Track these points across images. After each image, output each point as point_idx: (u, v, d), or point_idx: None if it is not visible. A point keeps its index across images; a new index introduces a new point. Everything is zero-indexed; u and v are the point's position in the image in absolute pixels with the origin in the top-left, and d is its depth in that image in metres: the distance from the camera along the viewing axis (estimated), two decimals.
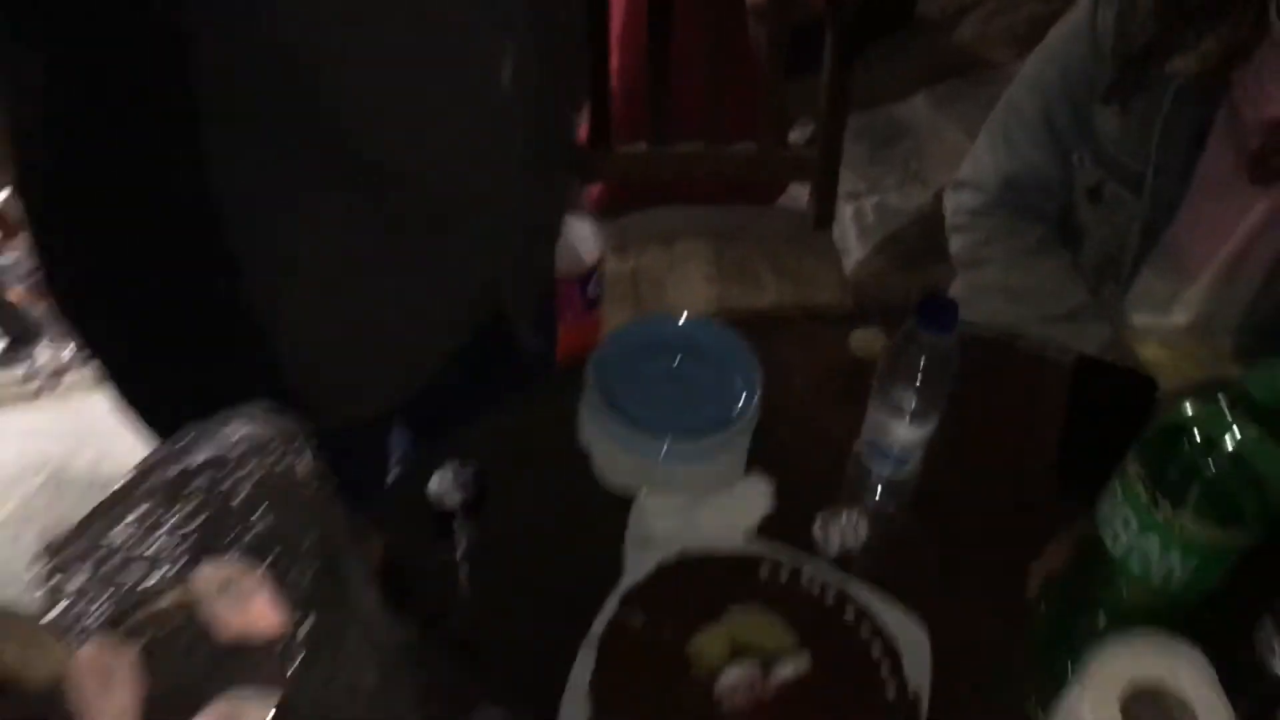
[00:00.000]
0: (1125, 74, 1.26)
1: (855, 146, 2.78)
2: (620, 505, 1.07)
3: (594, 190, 1.83)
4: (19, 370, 2.26)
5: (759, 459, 1.10)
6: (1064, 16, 1.35)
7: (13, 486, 2.10)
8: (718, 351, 1.09)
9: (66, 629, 0.49)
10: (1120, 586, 0.87)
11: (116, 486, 0.50)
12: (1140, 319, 1.35)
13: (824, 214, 1.75)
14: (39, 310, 2.20)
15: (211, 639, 0.48)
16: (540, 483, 1.10)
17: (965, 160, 1.47)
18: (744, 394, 1.06)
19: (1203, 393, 0.82)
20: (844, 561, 1.04)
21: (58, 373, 2.28)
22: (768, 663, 0.91)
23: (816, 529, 1.06)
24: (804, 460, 1.13)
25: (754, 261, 1.71)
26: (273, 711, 0.42)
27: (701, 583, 0.99)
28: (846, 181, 2.69)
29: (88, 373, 2.26)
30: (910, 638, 0.97)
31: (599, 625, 0.96)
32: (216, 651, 0.48)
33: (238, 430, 0.50)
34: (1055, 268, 1.39)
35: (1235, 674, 0.82)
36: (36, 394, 2.26)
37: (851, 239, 2.56)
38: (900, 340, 0.99)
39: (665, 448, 1.03)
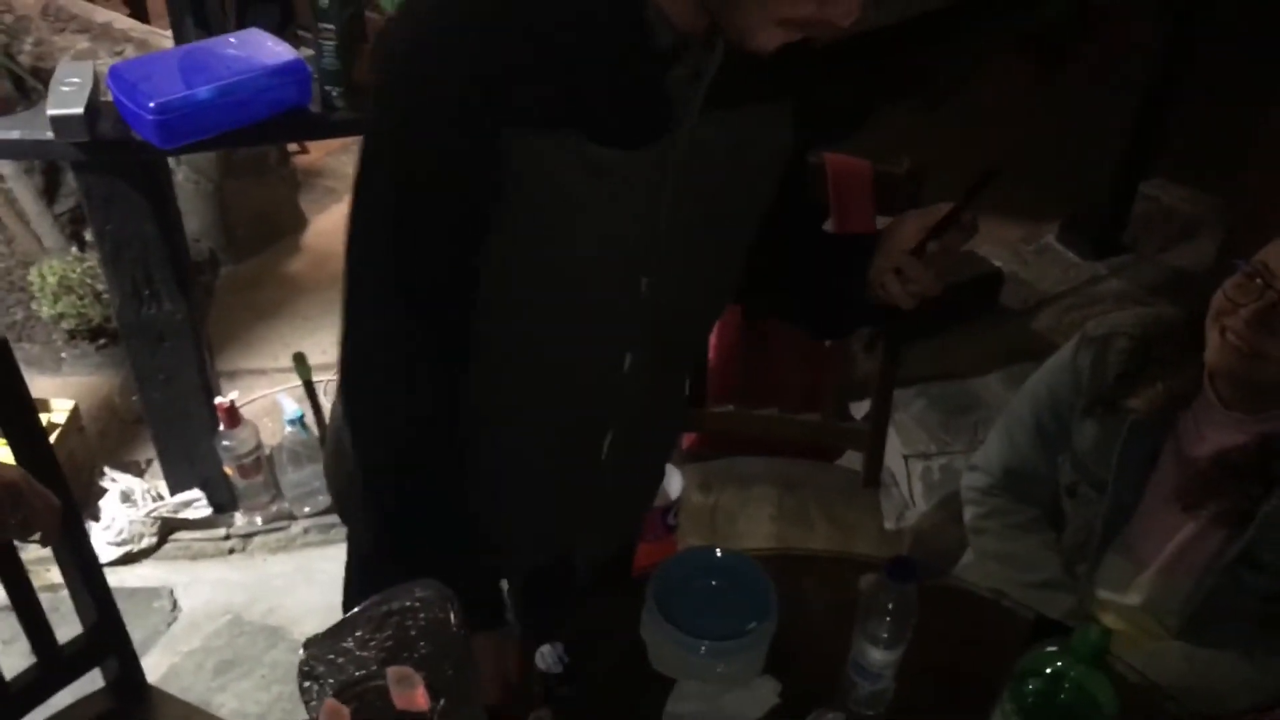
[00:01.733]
0: (1093, 404, 1.59)
1: (931, 412, 3.12)
2: (665, 686, 1.40)
3: (689, 439, 2.21)
4: (220, 531, 2.70)
5: (773, 664, 1.42)
6: (1057, 352, 1.69)
7: (201, 626, 2.51)
8: (747, 579, 1.43)
9: (311, 695, 0.85)
10: None
11: (350, 615, 0.88)
12: (1104, 594, 1.64)
13: (871, 476, 2.09)
14: (243, 485, 2.65)
15: (391, 708, 0.84)
16: (609, 661, 1.44)
17: (979, 449, 1.80)
18: (762, 614, 1.39)
19: (1054, 645, 1.14)
20: None
21: (248, 536, 2.71)
22: None
23: None
24: (808, 669, 1.44)
25: (811, 508, 2.05)
26: None
27: None
28: (919, 442, 3.03)
29: (271, 539, 2.70)
30: None
31: None
32: (393, 714, 0.84)
33: (418, 590, 0.87)
34: (1038, 543, 1.69)
35: None
36: (229, 552, 2.70)
37: (918, 494, 2.86)
38: (873, 587, 1.31)
39: (702, 648, 1.36)
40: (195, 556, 2.67)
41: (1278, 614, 1.52)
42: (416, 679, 0.83)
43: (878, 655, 1.34)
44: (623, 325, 1.24)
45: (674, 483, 1.78)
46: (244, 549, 2.70)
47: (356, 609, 0.87)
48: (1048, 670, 1.14)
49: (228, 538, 2.69)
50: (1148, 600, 1.60)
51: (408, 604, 0.87)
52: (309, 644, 0.86)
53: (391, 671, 0.84)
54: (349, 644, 0.87)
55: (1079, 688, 1.11)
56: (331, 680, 0.86)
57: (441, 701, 0.80)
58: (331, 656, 0.86)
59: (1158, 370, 1.53)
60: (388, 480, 1.21)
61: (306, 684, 0.86)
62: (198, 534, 2.69)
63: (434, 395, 1.19)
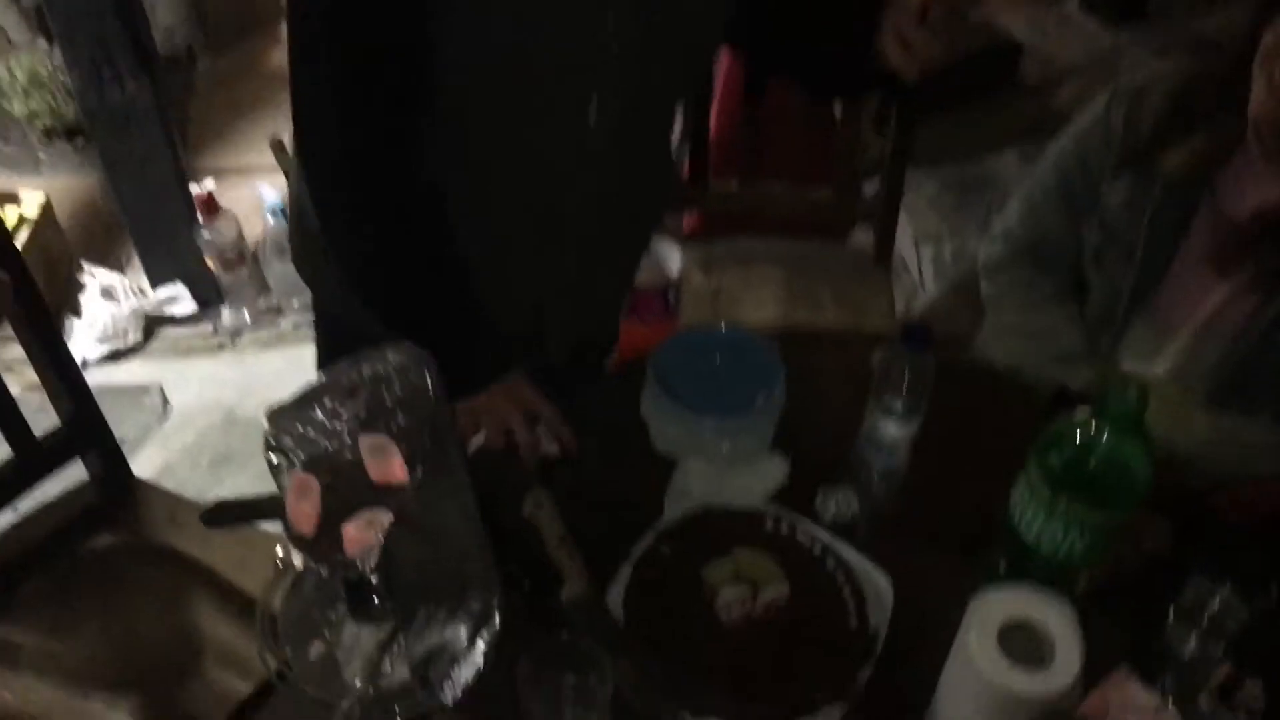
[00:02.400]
0: (1125, 162, 1.47)
1: (944, 195, 3.00)
2: (667, 466, 1.34)
3: (690, 218, 2.10)
4: (207, 327, 2.63)
5: (782, 442, 1.36)
6: (1085, 107, 1.57)
7: (193, 421, 2.47)
8: (753, 354, 1.35)
9: (280, 470, 0.78)
10: (1033, 562, 1.11)
11: (315, 384, 0.80)
12: (1128, 365, 1.56)
13: (882, 254, 1.99)
14: (228, 279, 2.57)
15: (366, 481, 0.77)
16: (610, 443, 1.38)
17: (998, 218, 1.70)
18: (768, 388, 1.31)
19: (1085, 410, 1.07)
20: (836, 527, 1.29)
21: (237, 333, 2.64)
22: (758, 589, 1.16)
23: (818, 500, 1.31)
24: (818, 447, 1.38)
25: (819, 289, 1.96)
26: (391, 517, 0.70)
27: (719, 527, 1.25)
28: (930, 225, 2.92)
29: (260, 334, 2.63)
30: (877, 586, 1.21)
31: (638, 551, 1.23)
32: (368, 488, 0.76)
33: (392, 355, 0.78)
34: (1060, 315, 1.61)
35: (1152, 660, 1.06)
36: (219, 348, 2.63)
37: (929, 278, 2.77)
38: (888, 357, 1.24)
39: (706, 424, 1.29)
40: (184, 353, 2.61)
41: None
42: (393, 448, 0.76)
43: (891, 429, 1.27)
44: (585, 70, 1.16)
45: (673, 262, 1.69)
46: (233, 346, 2.63)
47: (323, 375, 0.79)
48: (1077, 438, 1.07)
49: (216, 334, 2.62)
50: (1175, 368, 1.52)
51: (380, 369, 0.79)
52: (273, 415, 0.78)
53: (365, 441, 0.76)
54: (318, 414, 0.79)
55: (1110, 456, 1.04)
56: (301, 454, 0.78)
57: (420, 472, 0.72)
58: (299, 427, 0.78)
59: (1196, 124, 1.41)
60: (344, 221, 1.16)
61: (274, 458, 0.79)
62: (185, 331, 2.62)
63: (385, 140, 1.12)
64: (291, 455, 0.78)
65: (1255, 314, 1.42)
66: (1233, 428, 1.47)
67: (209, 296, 2.63)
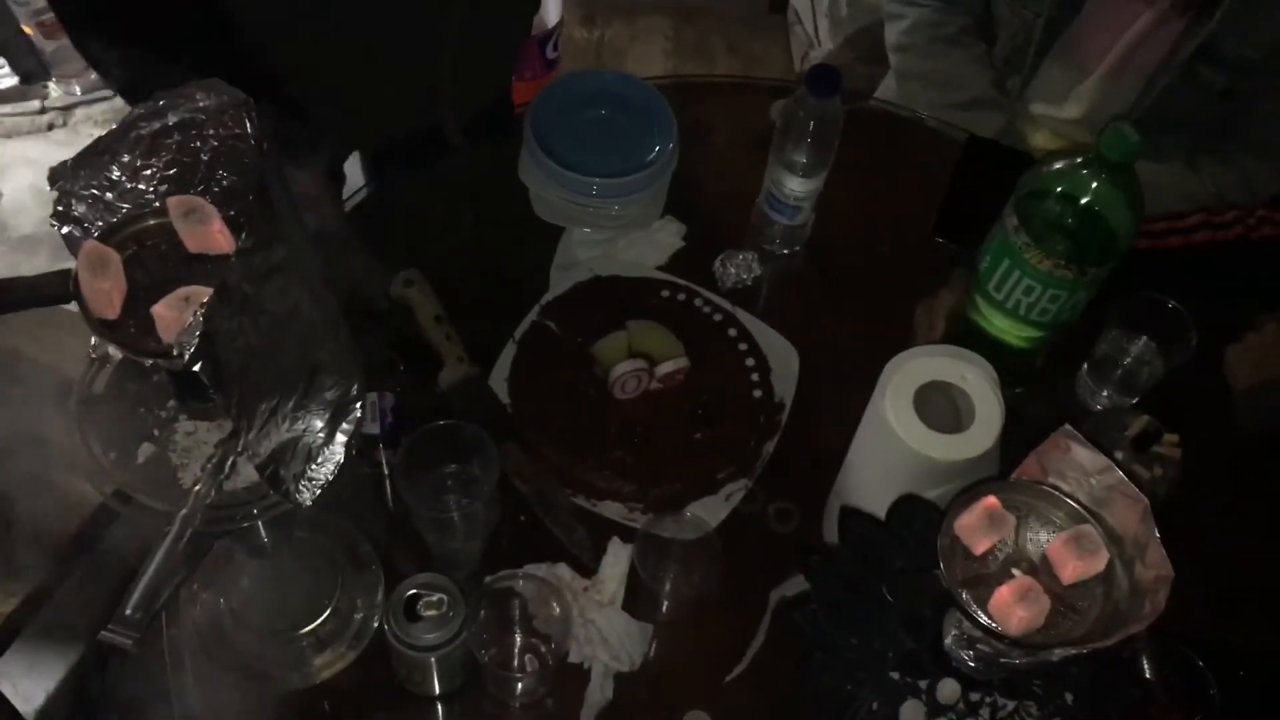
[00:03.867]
0: None
1: None
2: (552, 234, 1.22)
3: None
4: (34, 104, 2.37)
5: (675, 204, 1.25)
6: None
7: (28, 211, 2.25)
8: (641, 106, 1.22)
9: (73, 240, 0.64)
10: (989, 317, 1.04)
11: (105, 134, 0.65)
12: (1038, 109, 1.47)
13: (777, 1, 1.84)
14: (51, 47, 2.29)
15: (180, 250, 0.64)
16: (488, 212, 1.25)
17: None
18: (660, 143, 1.19)
19: (1066, 156, 0.98)
20: (737, 294, 1.20)
21: (68, 108, 2.39)
22: (654, 363, 1.07)
23: (716, 265, 1.21)
24: (716, 208, 1.28)
25: (710, 39, 1.81)
26: (212, 293, 0.57)
27: (609, 299, 1.15)
28: None
29: (95, 110, 2.38)
30: (782, 354, 1.13)
31: (522, 328, 1.13)
32: (182, 260, 0.63)
33: (200, 95, 0.64)
34: (967, 57, 1.50)
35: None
36: (49, 127, 2.38)
37: (824, 30, 2.62)
38: (792, 104, 1.12)
39: (592, 186, 1.17)
40: (10, 134, 2.35)
41: (1226, 114, 1.38)
42: (211, 210, 0.62)
43: (795, 184, 1.16)
44: None
45: (551, 8, 1.52)
46: (65, 123, 2.38)
47: (115, 125, 0.65)
48: (1058, 189, 0.99)
49: (44, 111, 2.36)
50: (1089, 110, 1.44)
51: (188, 115, 0.64)
52: (55, 175, 0.64)
53: (174, 202, 0.62)
54: (115, 173, 0.64)
55: (1095, 205, 0.97)
56: (100, 222, 0.64)
57: (246, 239, 0.59)
58: (93, 190, 0.64)
59: None
60: None
61: (65, 229, 0.65)
62: (8, 109, 2.35)
63: None
64: (88, 226, 0.64)
65: (1178, 44, 1.33)
66: (1150, 172, 1.40)
67: (31, 69, 2.35)
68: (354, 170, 1.41)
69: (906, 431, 0.89)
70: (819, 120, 1.11)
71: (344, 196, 1.26)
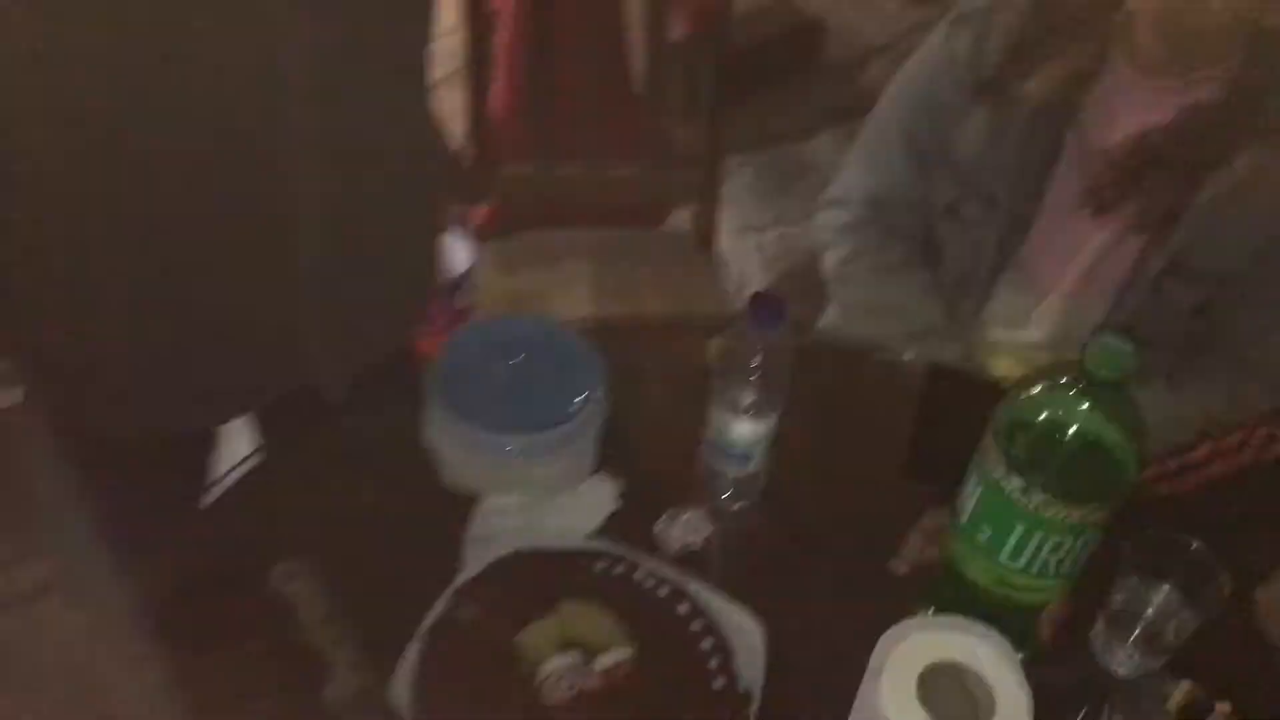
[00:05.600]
0: (978, 95, 1.28)
1: (760, 182, 2.82)
2: (465, 505, 1.06)
3: (480, 212, 1.83)
4: None
5: (609, 460, 1.10)
6: (922, 43, 1.37)
7: None
8: (559, 351, 1.09)
9: None
10: (979, 572, 0.88)
11: None
12: (996, 334, 1.38)
13: (705, 235, 1.76)
14: None
15: None
16: (386, 480, 1.09)
17: (834, 181, 1.49)
18: (585, 391, 1.05)
19: (1046, 378, 0.85)
20: (685, 561, 1.04)
21: None
22: (592, 654, 0.90)
23: (658, 527, 1.05)
24: (654, 461, 1.13)
25: (636, 281, 1.72)
26: None
27: (535, 577, 0.97)
28: (751, 214, 2.73)
29: None
30: (745, 631, 0.96)
31: (430, 618, 0.95)
32: None
33: None
34: (913, 285, 1.41)
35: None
36: None
37: (754, 269, 2.58)
38: (733, 338, 0.99)
39: (508, 446, 1.02)
40: None
41: (1202, 331, 1.28)
42: None
43: (743, 429, 1.03)
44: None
45: (458, 255, 1.41)
46: None
47: None
48: (1045, 414, 0.85)
49: None
50: (1052, 334, 1.34)
51: None
52: None
53: None
54: None
55: (1088, 435, 0.83)
56: None
57: None
58: None
59: (1055, 42, 1.23)
60: None
61: None
62: None
63: None
64: None
65: (1141, 261, 1.25)
66: None
67: None
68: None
69: None
70: (765, 354, 0.98)
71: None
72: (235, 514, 1.07)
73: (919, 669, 0.74)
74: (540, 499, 1.06)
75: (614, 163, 1.72)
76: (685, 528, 1.05)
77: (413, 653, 0.92)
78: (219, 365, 1.04)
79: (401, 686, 0.90)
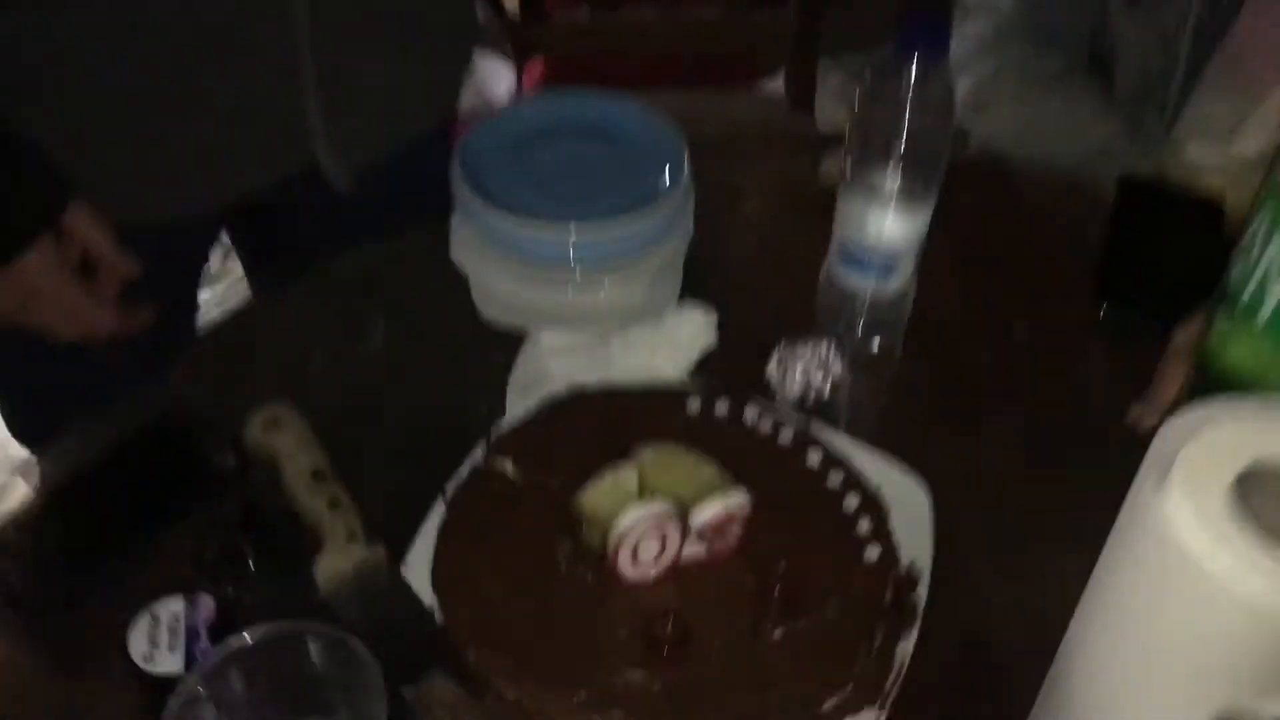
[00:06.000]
0: None
1: (851, 86, 2.53)
2: (508, 346, 0.79)
3: (530, 68, 1.55)
4: None
5: (698, 288, 0.82)
6: None
7: None
8: (634, 137, 0.81)
9: None
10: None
11: None
12: (1196, 151, 1.07)
13: (802, 93, 1.47)
14: None
15: None
16: (407, 317, 0.82)
17: None
18: (668, 181, 0.78)
19: None
20: (811, 411, 0.75)
21: None
22: (688, 510, 0.62)
23: (772, 368, 0.77)
24: (760, 286, 0.85)
25: (719, 145, 1.43)
26: None
27: (603, 421, 0.70)
28: (840, 119, 2.43)
29: None
30: (903, 494, 0.68)
31: (460, 475, 0.68)
32: None
33: None
34: (1080, 99, 1.11)
35: None
36: None
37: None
38: (876, 80, 0.71)
39: (564, 244, 0.75)
40: None
41: None
42: None
43: (888, 223, 0.74)
44: None
45: (500, 83, 1.14)
46: None
47: None
48: None
49: None
50: (1273, 143, 1.03)
51: None
52: None
53: None
54: None
55: None
56: None
57: None
58: None
59: None
60: None
61: None
62: None
63: None
64: None
65: None
66: None
67: None
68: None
69: (1238, 564, 0.42)
70: (919, 105, 0.69)
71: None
72: (218, 358, 0.82)
73: (1234, 472, 0.45)
74: (608, 335, 0.79)
75: (690, 3, 1.43)
76: (810, 365, 0.77)
77: (435, 519, 0.65)
78: (216, 137, 0.81)
79: (418, 566, 0.63)
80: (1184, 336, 0.71)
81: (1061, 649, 0.54)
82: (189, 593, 0.59)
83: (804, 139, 1.07)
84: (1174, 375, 0.70)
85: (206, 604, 0.58)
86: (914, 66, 0.68)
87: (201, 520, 0.66)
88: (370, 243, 0.85)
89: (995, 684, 0.63)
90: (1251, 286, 0.57)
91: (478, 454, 0.69)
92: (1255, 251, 0.57)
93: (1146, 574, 0.46)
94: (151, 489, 0.68)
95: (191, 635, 0.57)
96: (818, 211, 0.88)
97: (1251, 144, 1.05)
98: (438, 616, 0.61)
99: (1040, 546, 0.69)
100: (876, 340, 0.80)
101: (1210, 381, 0.63)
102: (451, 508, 0.65)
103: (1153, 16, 1.05)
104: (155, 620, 0.57)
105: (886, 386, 0.81)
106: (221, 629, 0.57)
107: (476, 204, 0.75)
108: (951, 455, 0.73)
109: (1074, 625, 0.53)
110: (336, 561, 0.63)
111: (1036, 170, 0.99)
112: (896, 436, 0.72)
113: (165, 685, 0.52)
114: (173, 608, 0.58)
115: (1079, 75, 1.15)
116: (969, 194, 0.81)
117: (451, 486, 0.67)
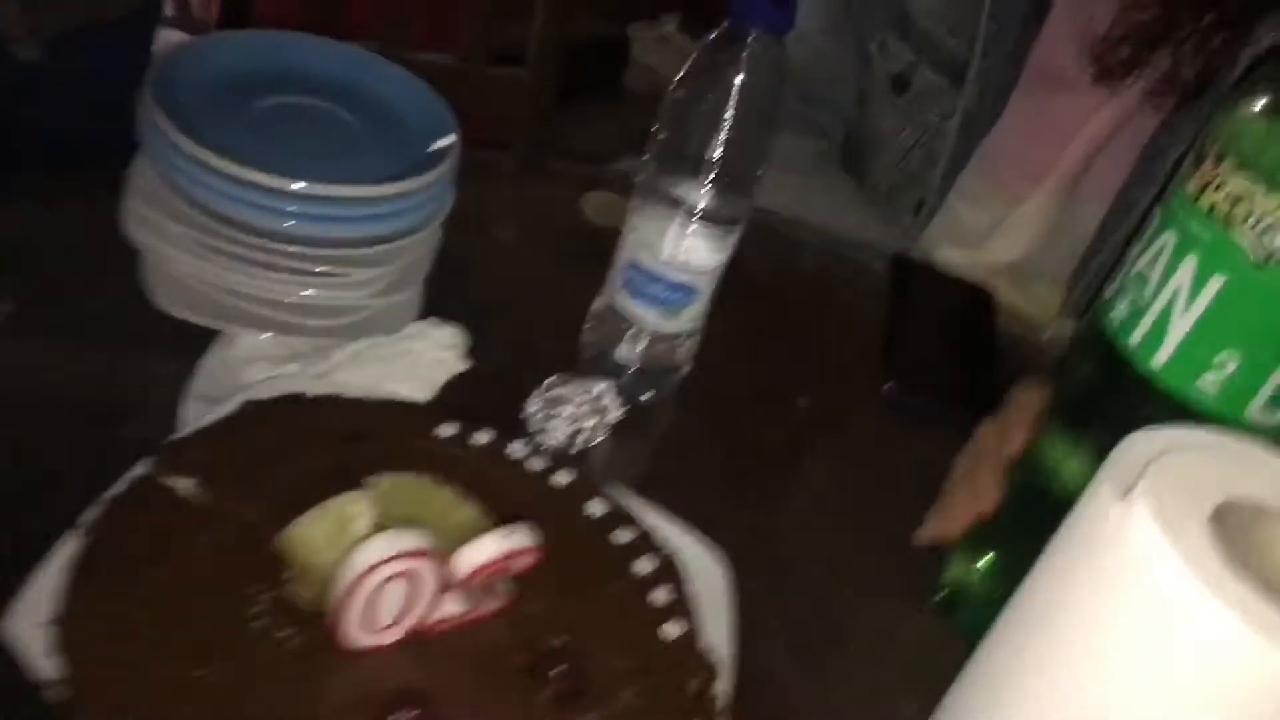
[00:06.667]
0: None
1: None
2: (184, 346, 0.60)
3: None
4: None
5: (440, 313, 0.67)
6: None
7: None
8: (381, 101, 0.66)
9: None
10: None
11: None
12: (949, 254, 1.03)
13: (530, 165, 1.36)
14: None
15: None
16: (48, 290, 0.61)
17: None
18: (430, 151, 0.63)
19: None
20: (575, 460, 0.61)
21: None
22: (444, 552, 0.45)
23: (534, 406, 0.62)
24: (512, 324, 0.71)
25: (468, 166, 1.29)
26: None
27: (324, 439, 0.52)
28: None
29: None
30: (698, 568, 0.54)
31: (111, 496, 0.48)
32: None
33: None
34: (834, 191, 1.07)
35: None
36: None
37: None
38: (701, 60, 0.60)
39: (289, 206, 0.57)
40: None
41: None
42: None
43: (689, 243, 0.62)
44: None
45: None
46: None
47: None
48: None
49: None
50: (1025, 255, 1.02)
51: None
52: None
53: None
54: None
55: None
56: None
57: None
58: None
59: None
60: None
61: None
62: None
63: None
64: None
65: (1155, 140, 0.94)
66: None
67: None
68: None
69: (1218, 602, 0.32)
70: (749, 94, 0.59)
71: None
72: None
73: (1206, 508, 0.35)
74: (327, 347, 0.61)
75: (420, 47, 1.30)
76: (579, 409, 0.63)
77: (61, 556, 0.45)
78: None
79: (30, 614, 0.43)
80: (990, 434, 0.63)
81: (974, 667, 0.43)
82: None
83: (562, 174, 0.95)
84: (981, 483, 0.61)
85: None
86: (750, 43, 0.58)
87: None
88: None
89: None
90: (1144, 327, 0.49)
91: (141, 468, 0.49)
92: (1149, 289, 0.49)
93: (1105, 585, 0.35)
94: None
95: None
96: (577, 250, 0.77)
97: (1005, 250, 1.04)
98: (58, 691, 0.41)
99: (835, 637, 0.58)
100: (647, 396, 0.68)
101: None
102: (94, 535, 0.45)
103: (914, 107, 1.03)
104: None
105: (657, 444, 0.69)
106: None
107: (167, 135, 0.56)
108: (742, 529, 0.61)
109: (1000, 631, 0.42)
110: None
111: (821, 240, 0.92)
112: (679, 501, 0.59)
113: None
114: None
115: (832, 168, 1.10)
116: (755, 252, 0.71)
117: (91, 513, 0.47)
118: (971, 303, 0.88)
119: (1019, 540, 0.43)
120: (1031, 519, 0.43)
